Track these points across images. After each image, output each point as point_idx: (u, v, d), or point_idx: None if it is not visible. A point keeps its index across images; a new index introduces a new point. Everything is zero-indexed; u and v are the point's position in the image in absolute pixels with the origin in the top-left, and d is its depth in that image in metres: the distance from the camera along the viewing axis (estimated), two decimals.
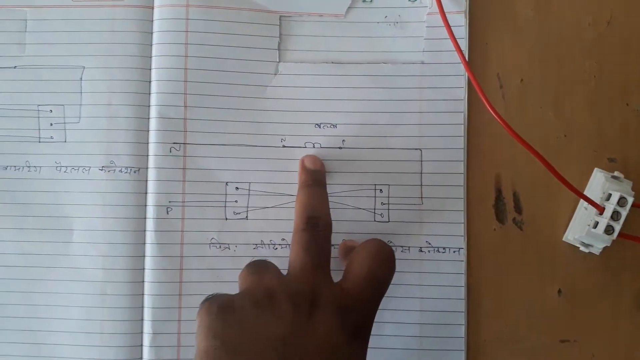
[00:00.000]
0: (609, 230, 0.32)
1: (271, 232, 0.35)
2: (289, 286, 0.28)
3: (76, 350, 0.35)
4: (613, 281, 0.35)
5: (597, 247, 0.34)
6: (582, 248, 0.35)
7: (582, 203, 0.35)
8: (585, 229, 0.33)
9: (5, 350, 0.35)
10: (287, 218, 0.35)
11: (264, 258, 0.33)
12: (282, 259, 0.35)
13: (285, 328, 0.26)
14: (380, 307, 0.34)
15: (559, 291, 0.35)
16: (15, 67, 0.36)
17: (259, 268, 0.30)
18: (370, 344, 0.34)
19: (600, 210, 0.33)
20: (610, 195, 0.33)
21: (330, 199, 0.35)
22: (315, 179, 0.33)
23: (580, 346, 0.35)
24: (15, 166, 0.36)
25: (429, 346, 0.35)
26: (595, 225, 0.33)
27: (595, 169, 0.35)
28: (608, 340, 0.35)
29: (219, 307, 0.27)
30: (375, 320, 0.34)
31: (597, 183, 0.34)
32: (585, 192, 0.35)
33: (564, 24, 0.36)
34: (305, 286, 0.28)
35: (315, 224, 0.30)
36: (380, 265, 0.29)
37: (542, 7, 0.37)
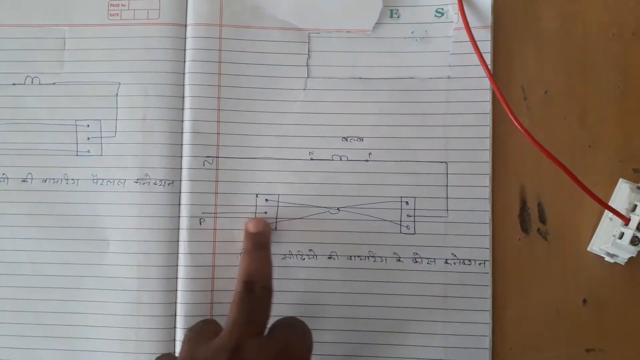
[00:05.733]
0: (634, 241, 0.33)
1: (299, 242, 0.36)
2: (211, 349, 0.29)
3: (111, 357, 0.36)
4: (639, 291, 0.35)
5: (623, 258, 0.34)
6: (607, 258, 0.35)
7: (607, 213, 0.35)
8: (611, 240, 0.33)
9: (44, 357, 0.36)
10: (314, 229, 0.36)
11: (210, 318, 0.35)
12: (309, 269, 0.36)
13: None
14: (405, 318, 0.35)
15: (584, 301, 0.36)
16: (54, 84, 0.37)
17: (194, 333, 0.32)
18: (395, 355, 0.35)
19: (626, 221, 0.33)
20: (635, 206, 0.33)
21: (357, 210, 0.36)
22: (255, 242, 0.34)
23: (605, 355, 0.35)
24: (54, 179, 0.37)
25: (454, 357, 0.35)
26: (621, 236, 0.33)
27: (620, 179, 0.35)
28: (634, 349, 0.35)
29: None
30: (400, 331, 0.35)
31: (623, 194, 0.34)
32: (610, 203, 0.35)
33: (588, 34, 0.37)
34: (230, 340, 0.29)
35: (252, 289, 0.32)
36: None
37: (566, 19, 0.37)
